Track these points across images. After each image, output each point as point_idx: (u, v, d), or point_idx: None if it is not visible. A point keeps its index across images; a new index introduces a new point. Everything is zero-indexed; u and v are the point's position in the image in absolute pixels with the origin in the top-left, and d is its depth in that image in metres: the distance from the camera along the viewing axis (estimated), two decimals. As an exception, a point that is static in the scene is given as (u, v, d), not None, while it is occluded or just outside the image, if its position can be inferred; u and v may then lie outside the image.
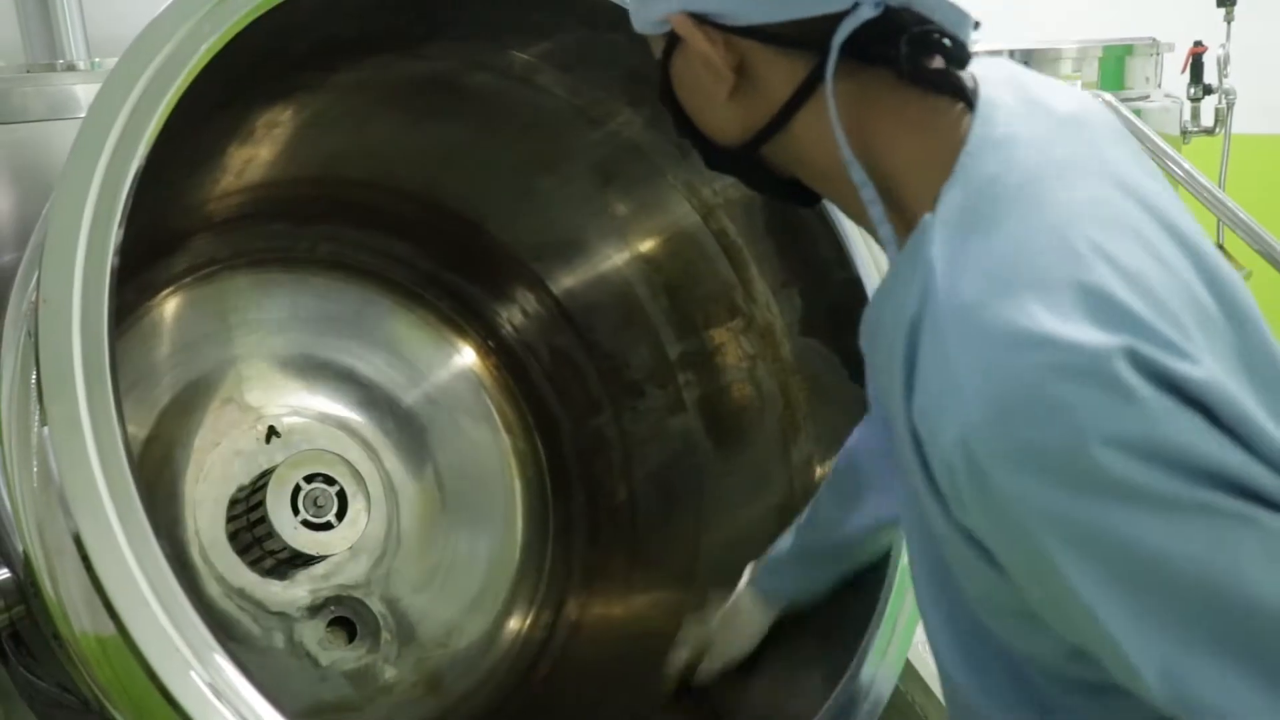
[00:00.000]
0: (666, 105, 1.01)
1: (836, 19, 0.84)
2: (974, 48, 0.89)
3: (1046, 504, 0.74)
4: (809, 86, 0.88)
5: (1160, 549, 0.73)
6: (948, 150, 0.84)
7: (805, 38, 0.86)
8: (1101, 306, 0.74)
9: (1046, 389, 0.73)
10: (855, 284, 1.47)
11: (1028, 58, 3.00)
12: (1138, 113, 2.73)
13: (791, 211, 1.52)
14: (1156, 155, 2.65)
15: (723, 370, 1.77)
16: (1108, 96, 2.69)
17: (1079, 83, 3.02)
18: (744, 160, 0.98)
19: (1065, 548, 0.74)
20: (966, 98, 0.87)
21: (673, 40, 0.94)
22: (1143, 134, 2.65)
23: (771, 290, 1.65)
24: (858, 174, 0.88)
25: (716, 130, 0.98)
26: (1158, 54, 3.10)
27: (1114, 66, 3.04)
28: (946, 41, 0.86)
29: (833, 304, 1.58)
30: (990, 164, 0.83)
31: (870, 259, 1.47)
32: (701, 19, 0.89)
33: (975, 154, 0.84)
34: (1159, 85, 3.15)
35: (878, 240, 0.92)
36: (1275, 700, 0.75)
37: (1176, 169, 2.59)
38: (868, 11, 0.83)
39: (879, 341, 0.88)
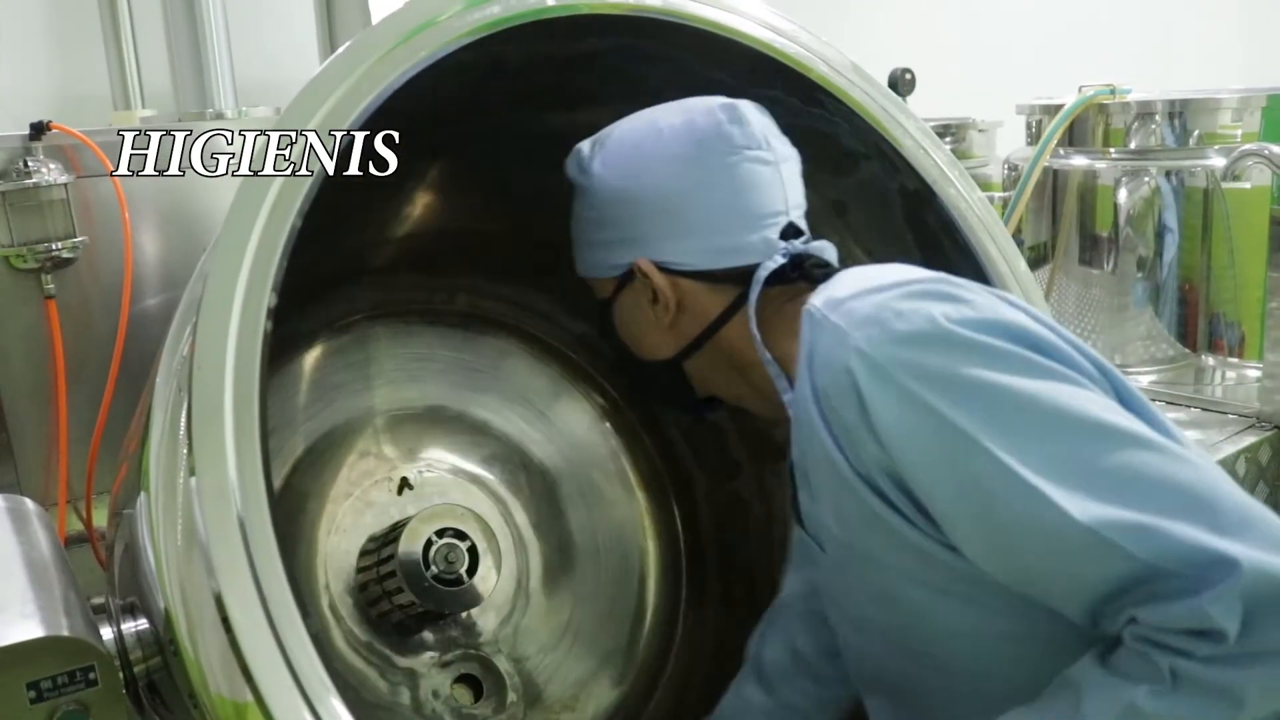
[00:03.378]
0: (608, 336, 1.36)
1: (757, 264, 1.21)
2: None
3: (931, 367, 0.98)
4: (733, 309, 1.23)
5: (1024, 390, 0.96)
6: None
7: (731, 276, 1.23)
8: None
9: (904, 303, 1.03)
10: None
11: (1183, 107, 2.86)
12: (1305, 166, 2.57)
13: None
14: (1325, 211, 2.49)
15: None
16: (1274, 148, 2.55)
17: (1239, 133, 2.87)
18: (673, 370, 1.30)
19: (957, 402, 0.96)
20: None
21: (623, 282, 1.28)
22: (1311, 188, 2.50)
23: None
24: (768, 358, 1.20)
25: (651, 349, 1.31)
26: (1327, 103, 2.93)
27: (1279, 116, 2.88)
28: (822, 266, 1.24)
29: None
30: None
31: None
32: (659, 265, 1.23)
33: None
34: (1329, 136, 2.97)
35: (764, 408, 1.28)
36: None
37: (1350, 226, 2.43)
38: (779, 260, 1.21)
39: (810, 452, 1.13)
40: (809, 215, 1.31)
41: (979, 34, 4.85)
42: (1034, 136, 3.12)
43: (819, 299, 1.12)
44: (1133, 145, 2.89)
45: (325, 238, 1.44)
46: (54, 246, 1.78)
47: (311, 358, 1.77)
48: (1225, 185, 2.71)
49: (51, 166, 1.77)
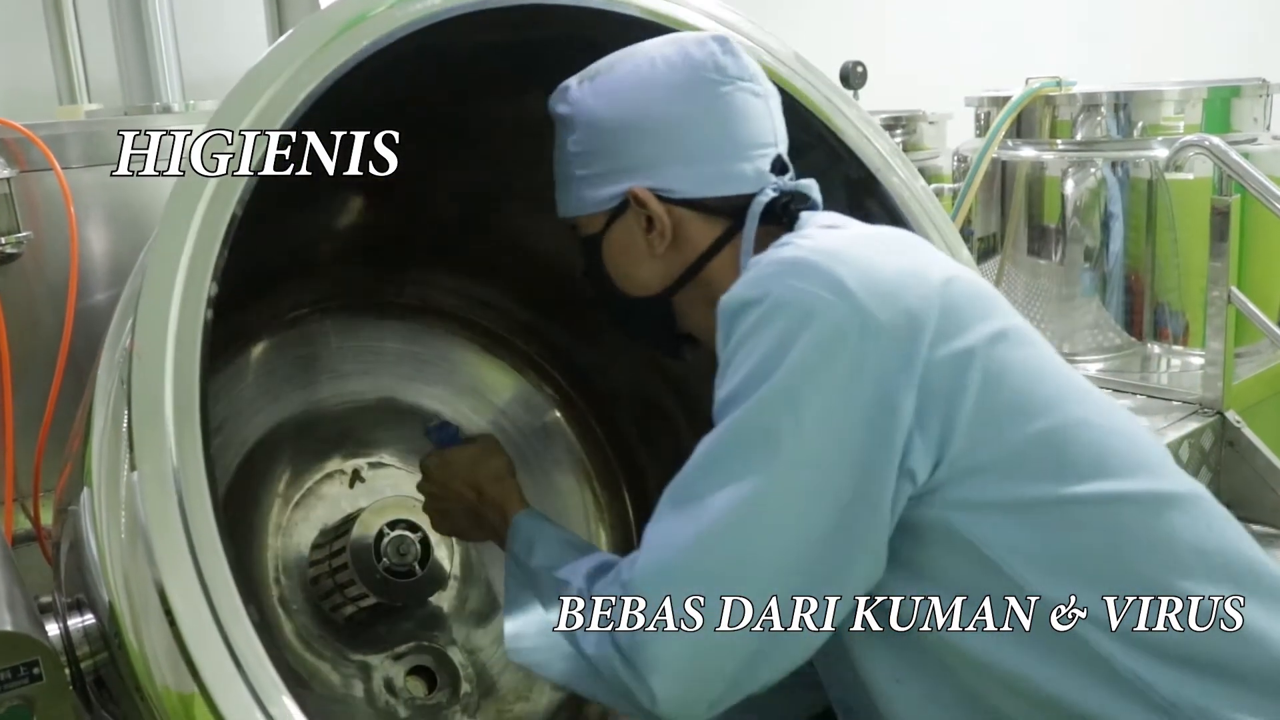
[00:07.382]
0: (593, 276, 1.33)
1: (749, 196, 1.23)
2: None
3: (768, 329, 1.05)
4: (723, 240, 1.24)
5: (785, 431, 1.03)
6: None
7: (723, 207, 1.24)
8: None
9: (819, 257, 1.07)
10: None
11: (1128, 99, 2.91)
12: (1246, 155, 2.62)
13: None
14: (1265, 198, 2.54)
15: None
16: (1214, 139, 2.60)
17: (1181, 125, 2.92)
18: (659, 306, 1.29)
19: (753, 373, 1.04)
20: None
21: (615, 214, 1.26)
22: (1251, 177, 2.55)
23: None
24: None
25: (643, 284, 1.29)
26: (1267, 95, 2.98)
27: (1220, 108, 2.93)
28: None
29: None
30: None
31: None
32: (654, 193, 1.23)
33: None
34: (1267, 127, 3.03)
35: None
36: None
37: (1287, 213, 2.48)
38: (771, 194, 1.23)
39: None
40: None
41: (929, 28, 4.90)
42: (983, 128, 3.16)
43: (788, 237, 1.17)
44: (1079, 137, 2.93)
45: (270, 231, 1.44)
46: (-3, 242, 1.76)
47: (259, 351, 1.77)
48: (1168, 176, 2.76)
49: (-6, 161, 1.75)
